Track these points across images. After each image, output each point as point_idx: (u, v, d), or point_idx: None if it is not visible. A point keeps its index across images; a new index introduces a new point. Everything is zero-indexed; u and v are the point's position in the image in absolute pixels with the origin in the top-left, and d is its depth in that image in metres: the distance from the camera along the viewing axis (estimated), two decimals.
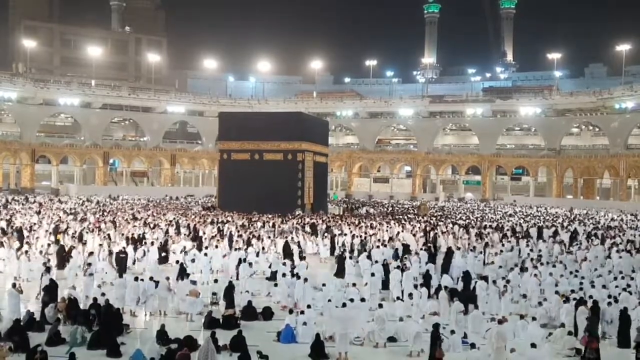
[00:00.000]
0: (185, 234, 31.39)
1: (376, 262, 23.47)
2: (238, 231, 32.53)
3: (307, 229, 35.03)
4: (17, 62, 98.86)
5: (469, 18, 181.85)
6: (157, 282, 18.19)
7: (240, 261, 22.71)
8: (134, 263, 24.70)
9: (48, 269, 20.03)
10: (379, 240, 30.41)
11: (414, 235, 33.03)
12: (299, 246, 28.47)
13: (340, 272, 23.43)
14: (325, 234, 33.38)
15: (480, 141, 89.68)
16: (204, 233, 31.92)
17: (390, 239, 30.92)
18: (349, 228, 35.66)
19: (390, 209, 58.48)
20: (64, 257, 23.52)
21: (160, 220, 37.94)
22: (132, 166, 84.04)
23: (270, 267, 23.22)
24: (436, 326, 14.12)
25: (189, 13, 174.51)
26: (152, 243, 26.92)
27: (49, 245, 26.43)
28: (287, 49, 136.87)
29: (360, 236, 31.58)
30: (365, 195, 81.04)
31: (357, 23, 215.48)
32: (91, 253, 23.27)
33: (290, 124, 51.29)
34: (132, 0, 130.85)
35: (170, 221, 37.15)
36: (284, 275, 20.34)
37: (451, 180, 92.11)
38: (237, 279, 21.31)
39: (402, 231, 34.67)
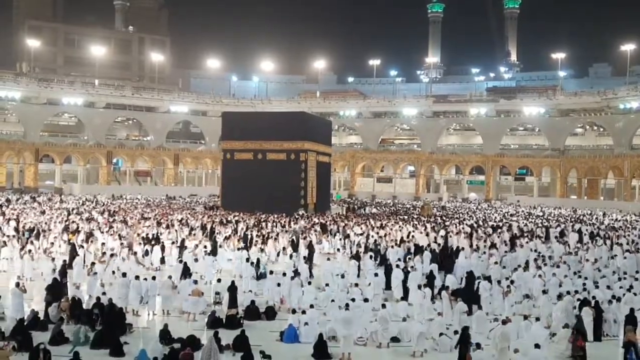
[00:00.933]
0: (204, 235, 31.37)
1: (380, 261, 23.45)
2: (251, 231, 32.67)
3: (318, 228, 34.98)
4: (21, 62, 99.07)
5: (473, 18, 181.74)
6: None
7: (258, 261, 22.93)
8: (162, 262, 24.99)
9: (64, 268, 20.07)
10: (392, 240, 30.39)
11: (427, 235, 33.06)
12: (311, 245, 28.33)
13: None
14: (338, 234, 33.37)
15: (484, 141, 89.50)
16: (220, 232, 32.02)
17: (402, 239, 30.92)
18: (360, 228, 35.75)
19: (392, 208, 58.41)
20: (74, 257, 23.58)
21: (169, 220, 37.97)
22: (135, 166, 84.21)
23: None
24: (465, 329, 14.02)
25: (193, 13, 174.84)
26: (173, 243, 27.48)
27: (51, 244, 26.46)
28: (290, 48, 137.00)
29: (374, 236, 31.69)
30: (369, 195, 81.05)
31: (361, 22, 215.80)
32: (112, 254, 23.38)
33: (293, 123, 51.30)
34: (136, 0, 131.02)
35: (180, 220, 37.42)
36: (271, 272, 20.69)
37: (455, 180, 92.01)
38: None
39: (414, 231, 34.72)
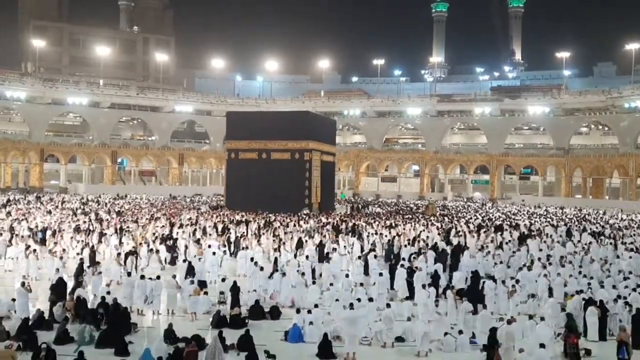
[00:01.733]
0: (220, 235, 31.37)
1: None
2: (264, 231, 32.72)
3: (329, 228, 34.89)
4: (26, 62, 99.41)
5: (477, 17, 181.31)
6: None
7: (276, 260, 23.01)
8: (173, 263, 25.10)
9: (81, 266, 20.14)
10: (407, 239, 30.40)
11: (439, 234, 33.03)
12: (321, 245, 28.21)
13: (366, 271, 23.46)
14: (350, 233, 33.34)
15: (488, 140, 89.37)
16: (235, 231, 32.08)
17: (415, 238, 30.88)
18: (372, 227, 35.70)
19: (396, 207, 58.31)
20: (91, 256, 23.62)
21: (180, 220, 38.03)
22: (140, 165, 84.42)
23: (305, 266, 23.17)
24: (493, 330, 14.00)
25: (197, 13, 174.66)
26: (197, 241, 27.69)
27: (55, 244, 26.53)
28: (294, 48, 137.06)
29: (387, 235, 31.75)
30: (373, 194, 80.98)
31: (365, 22, 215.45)
32: (133, 253, 23.51)
33: (297, 123, 51.33)
34: (140, 0, 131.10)
35: (190, 220, 37.49)
36: (262, 269, 20.86)
37: (459, 179, 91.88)
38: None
39: (424, 230, 34.65)
